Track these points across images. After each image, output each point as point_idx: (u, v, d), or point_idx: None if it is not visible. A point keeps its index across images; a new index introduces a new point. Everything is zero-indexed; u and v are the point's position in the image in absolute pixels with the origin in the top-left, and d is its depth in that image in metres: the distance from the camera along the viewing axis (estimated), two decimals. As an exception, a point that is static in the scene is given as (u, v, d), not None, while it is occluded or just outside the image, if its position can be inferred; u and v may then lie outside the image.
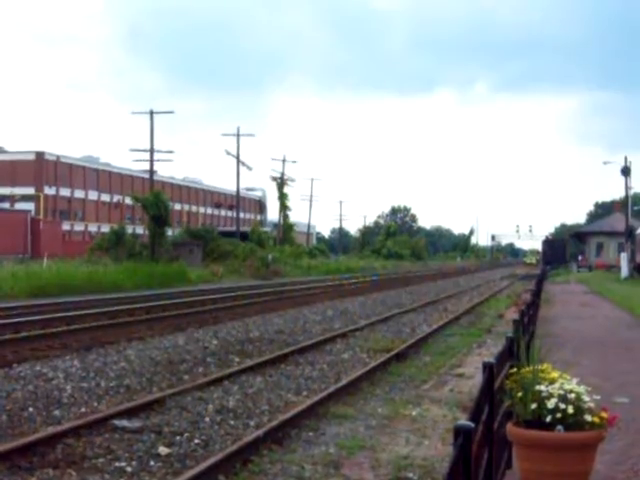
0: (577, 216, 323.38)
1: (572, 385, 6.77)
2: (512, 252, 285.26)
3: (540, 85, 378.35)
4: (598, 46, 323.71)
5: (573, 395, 6.62)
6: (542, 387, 6.72)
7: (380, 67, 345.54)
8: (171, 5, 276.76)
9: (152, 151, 76.76)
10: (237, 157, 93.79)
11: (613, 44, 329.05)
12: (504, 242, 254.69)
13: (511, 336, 9.00)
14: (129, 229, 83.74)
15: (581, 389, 6.74)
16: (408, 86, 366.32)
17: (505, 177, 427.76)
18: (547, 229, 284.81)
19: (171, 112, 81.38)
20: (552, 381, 6.83)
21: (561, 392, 6.64)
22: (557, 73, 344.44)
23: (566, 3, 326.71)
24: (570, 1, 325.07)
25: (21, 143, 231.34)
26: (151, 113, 76.17)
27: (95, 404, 14.86)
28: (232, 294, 44.62)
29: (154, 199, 71.93)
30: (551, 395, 6.64)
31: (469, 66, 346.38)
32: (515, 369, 7.16)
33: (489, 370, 6.62)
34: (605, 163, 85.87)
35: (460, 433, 4.53)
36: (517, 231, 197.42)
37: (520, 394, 6.78)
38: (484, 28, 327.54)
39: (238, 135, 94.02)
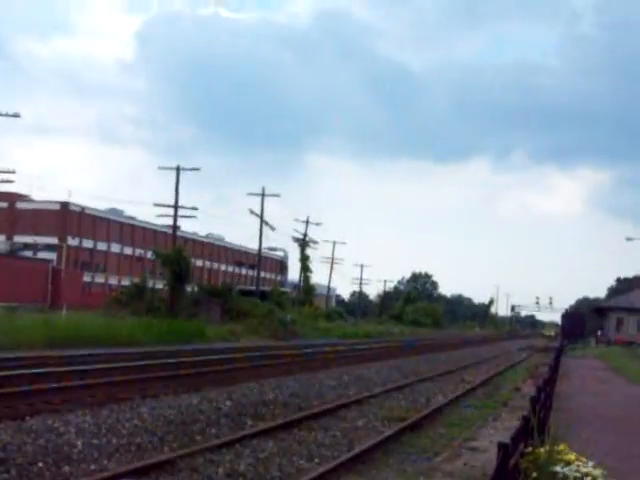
0: (599, 290, 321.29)
1: (588, 468, 6.68)
2: (532, 324, 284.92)
3: (572, 157, 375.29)
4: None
5: (589, 479, 6.53)
6: (558, 468, 6.63)
7: (415, 132, 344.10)
8: (206, 62, 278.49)
9: (176, 207, 76.86)
10: (261, 217, 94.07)
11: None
12: (524, 313, 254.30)
13: (527, 415, 8.90)
14: (149, 283, 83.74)
15: (598, 472, 6.65)
16: (442, 153, 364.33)
17: (528, 248, 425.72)
18: (568, 302, 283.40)
19: (197, 169, 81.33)
20: (568, 463, 6.74)
21: (577, 475, 6.55)
22: (594, 146, 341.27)
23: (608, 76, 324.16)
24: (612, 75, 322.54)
25: (47, 192, 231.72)
26: (177, 169, 76.37)
27: (105, 462, 14.73)
28: (249, 354, 44.48)
29: (175, 255, 72.13)
30: (566, 478, 6.55)
31: (505, 136, 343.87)
32: (530, 448, 7.07)
33: (504, 450, 6.52)
34: (628, 239, 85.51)
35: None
36: (537, 303, 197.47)
37: (535, 475, 6.69)
38: (523, 97, 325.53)
39: (263, 195, 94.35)
